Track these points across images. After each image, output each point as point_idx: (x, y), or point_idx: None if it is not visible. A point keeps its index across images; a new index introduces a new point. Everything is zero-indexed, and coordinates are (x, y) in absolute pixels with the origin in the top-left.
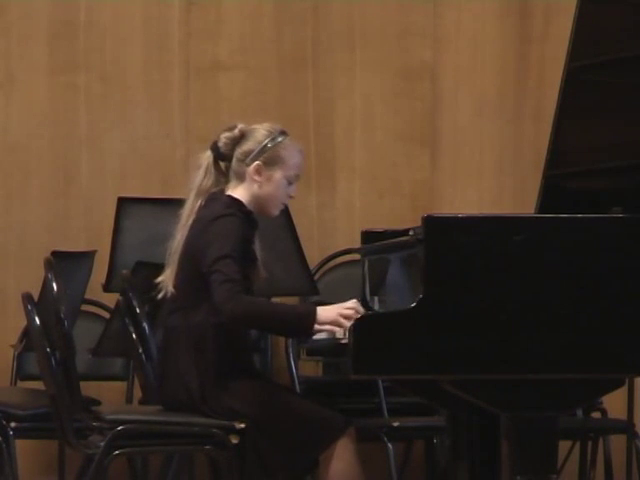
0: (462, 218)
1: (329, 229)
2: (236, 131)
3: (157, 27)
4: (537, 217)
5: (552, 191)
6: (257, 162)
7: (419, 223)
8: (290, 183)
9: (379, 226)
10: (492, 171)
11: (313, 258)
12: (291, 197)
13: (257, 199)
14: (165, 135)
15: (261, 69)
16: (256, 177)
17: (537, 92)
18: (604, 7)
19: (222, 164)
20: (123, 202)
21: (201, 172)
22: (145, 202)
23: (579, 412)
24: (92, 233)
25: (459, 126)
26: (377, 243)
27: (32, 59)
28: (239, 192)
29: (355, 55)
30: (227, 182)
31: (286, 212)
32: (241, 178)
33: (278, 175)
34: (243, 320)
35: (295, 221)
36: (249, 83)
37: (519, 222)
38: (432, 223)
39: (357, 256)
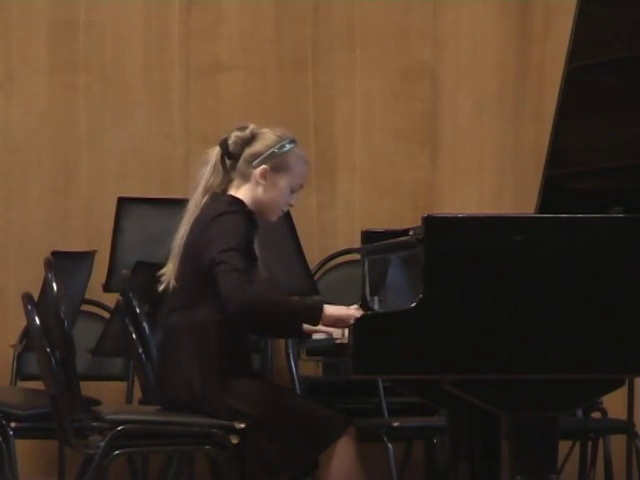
0: (462, 218)
1: (329, 229)
2: (247, 132)
3: (157, 27)
4: (537, 217)
5: (552, 191)
6: (264, 166)
7: (419, 223)
8: (292, 192)
9: (379, 226)
10: (492, 171)
11: (313, 258)
12: (290, 205)
13: (259, 202)
14: (165, 135)
15: (261, 69)
16: (261, 181)
17: (537, 92)
18: (604, 7)
19: (228, 162)
20: (123, 202)
21: (210, 168)
22: (145, 202)
23: (579, 412)
24: (92, 233)
25: (459, 126)
26: (377, 243)
27: (32, 59)
28: (242, 192)
29: (355, 55)
30: (230, 181)
31: (286, 212)
32: (246, 179)
33: (283, 182)
34: (252, 309)
35: (295, 221)
36: (249, 83)
37: (519, 222)
38: (432, 223)
39: (357, 256)
